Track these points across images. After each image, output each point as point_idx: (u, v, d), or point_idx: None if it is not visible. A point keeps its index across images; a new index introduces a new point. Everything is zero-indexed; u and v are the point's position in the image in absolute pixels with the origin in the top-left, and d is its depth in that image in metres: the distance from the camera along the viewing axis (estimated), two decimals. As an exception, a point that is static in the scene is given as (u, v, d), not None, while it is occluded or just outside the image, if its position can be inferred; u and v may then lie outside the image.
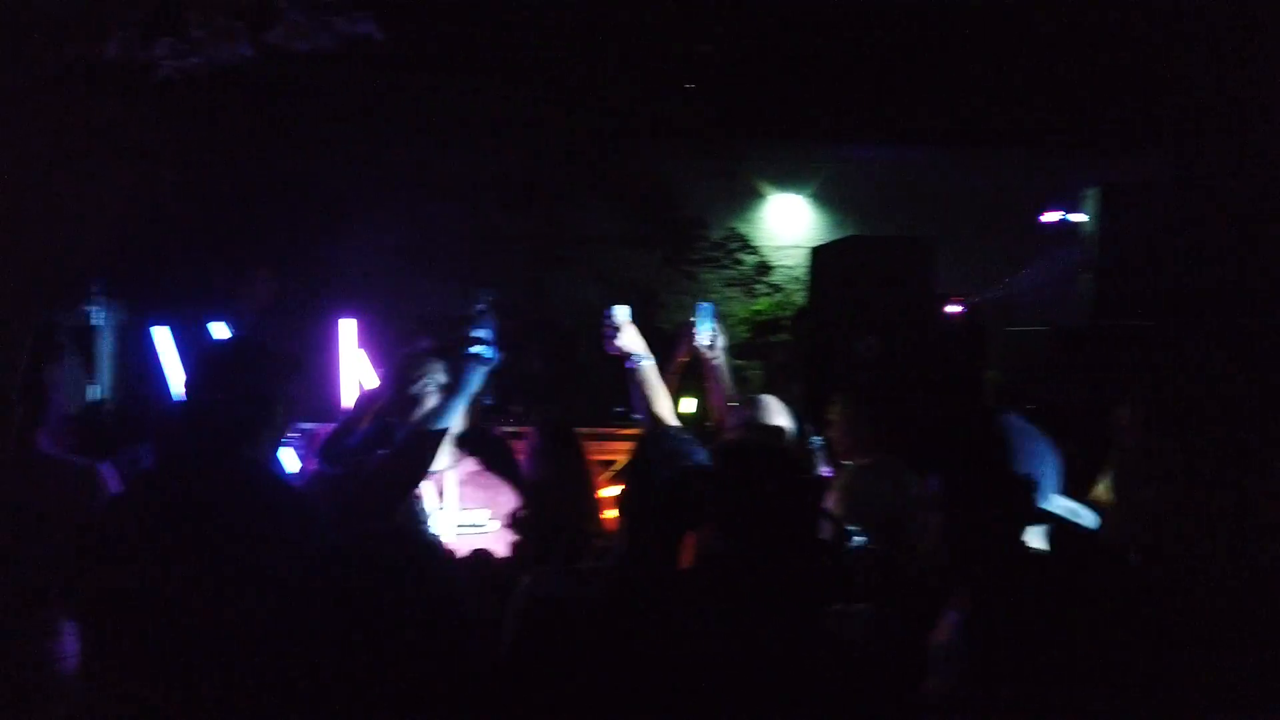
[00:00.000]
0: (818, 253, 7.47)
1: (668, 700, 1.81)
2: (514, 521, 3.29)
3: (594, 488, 3.40)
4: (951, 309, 6.91)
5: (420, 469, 3.16)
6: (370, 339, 5.35)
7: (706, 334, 3.83)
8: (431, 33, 8.93)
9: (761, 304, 10.69)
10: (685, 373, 4.22)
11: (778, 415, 3.96)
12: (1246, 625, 2.10)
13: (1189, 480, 2.40)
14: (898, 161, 11.29)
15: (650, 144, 10.45)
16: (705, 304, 3.88)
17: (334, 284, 8.46)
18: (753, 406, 3.98)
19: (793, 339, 9.03)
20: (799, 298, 10.22)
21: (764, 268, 11.17)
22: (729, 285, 11.07)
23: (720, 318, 3.87)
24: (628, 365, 3.73)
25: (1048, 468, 2.15)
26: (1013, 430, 2.17)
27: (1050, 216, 9.41)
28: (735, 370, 10.04)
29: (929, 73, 10.50)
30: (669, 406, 3.77)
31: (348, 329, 5.31)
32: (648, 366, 3.74)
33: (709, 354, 3.91)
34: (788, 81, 10.71)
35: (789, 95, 10.79)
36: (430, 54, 9.17)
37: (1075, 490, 2.38)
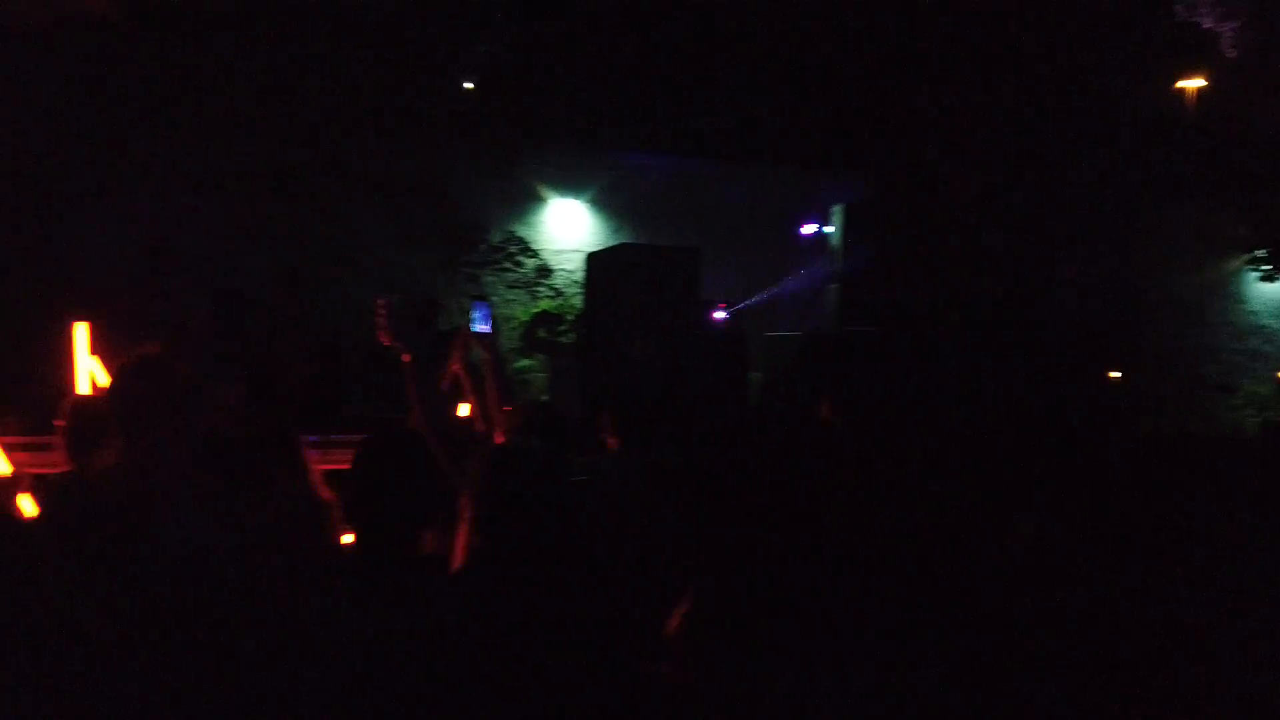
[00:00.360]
0: (592, 258, 7.62)
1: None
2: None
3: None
4: (718, 315, 7.26)
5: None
6: (107, 344, 4.89)
7: (482, 329, 3.80)
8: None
9: (544, 305, 10.76)
10: (460, 375, 4.17)
11: (551, 418, 4.00)
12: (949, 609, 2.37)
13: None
14: (675, 171, 11.73)
15: (426, 141, 10.21)
16: (481, 302, 3.85)
17: (68, 284, 7.64)
18: (526, 410, 4.00)
19: (573, 341, 9.18)
20: (579, 301, 10.39)
21: (544, 271, 11.23)
22: (511, 288, 11.05)
23: (496, 320, 3.86)
24: (402, 358, 3.63)
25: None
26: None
27: (809, 229, 10.16)
28: (519, 372, 10.03)
29: (706, 88, 11.00)
30: (442, 404, 3.70)
31: (81, 333, 4.83)
32: (421, 360, 3.65)
33: (484, 354, 3.89)
34: (568, 87, 10.86)
35: (570, 101, 10.95)
36: (167, 20, 8.41)
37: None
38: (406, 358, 3.66)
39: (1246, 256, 12.07)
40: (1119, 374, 10.81)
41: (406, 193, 10.16)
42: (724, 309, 7.33)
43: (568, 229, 11.62)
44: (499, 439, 3.94)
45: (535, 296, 10.89)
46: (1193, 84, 13.74)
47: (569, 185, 11.65)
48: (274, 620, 2.33)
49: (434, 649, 2.02)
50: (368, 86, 9.68)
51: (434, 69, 10.15)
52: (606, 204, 11.76)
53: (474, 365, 3.95)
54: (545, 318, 10.38)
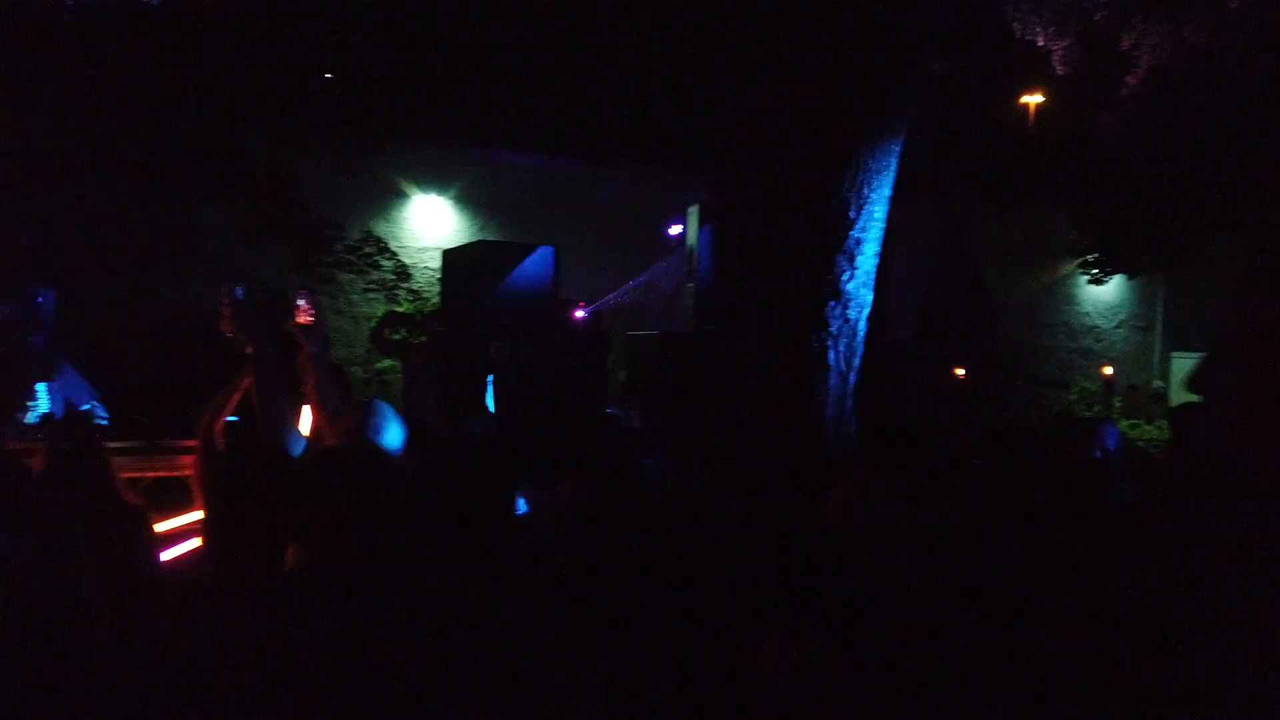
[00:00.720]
0: (449, 256, 7.46)
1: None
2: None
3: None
4: (578, 314, 7.23)
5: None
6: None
7: (305, 320, 3.63)
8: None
9: (403, 307, 10.46)
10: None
11: (388, 420, 3.87)
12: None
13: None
14: (544, 169, 11.65)
15: (279, 133, 9.76)
16: (304, 291, 3.67)
17: None
18: (360, 412, 3.85)
19: (428, 340, 8.95)
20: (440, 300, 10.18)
21: (404, 271, 10.90)
22: (367, 291, 10.68)
23: (321, 309, 3.68)
24: (249, 352, 3.41)
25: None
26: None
27: (675, 229, 10.27)
28: (380, 373, 9.69)
29: (576, 86, 10.94)
30: (288, 402, 3.51)
31: None
32: (271, 355, 3.45)
33: (309, 349, 3.72)
34: (434, 81, 10.60)
35: (434, 95, 10.69)
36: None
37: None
38: (250, 350, 3.46)
39: (1078, 261, 12.92)
40: (963, 372, 11.39)
41: (259, 187, 9.66)
42: (584, 308, 7.30)
43: (431, 226, 11.38)
44: (331, 440, 3.78)
45: (393, 298, 10.57)
46: (1033, 99, 14.61)
47: (433, 181, 11.41)
48: (73, 626, 2.19)
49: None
50: (216, 73, 9.17)
51: (291, 58, 9.72)
52: (472, 201, 11.57)
53: (303, 364, 3.78)
54: (395, 318, 10.10)
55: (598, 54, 10.59)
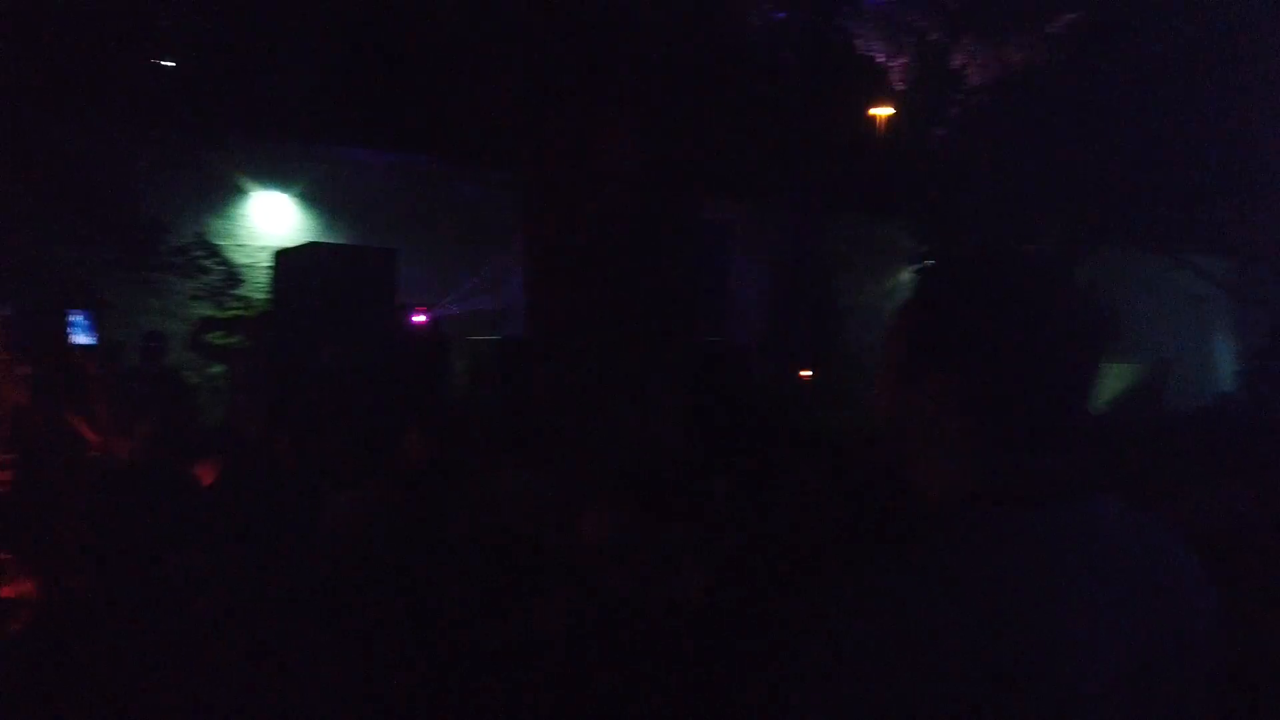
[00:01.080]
0: (280, 257, 7.18)
1: None
2: None
3: None
4: (417, 319, 7.09)
5: None
6: None
7: (84, 340, 3.44)
8: None
9: (235, 310, 9.92)
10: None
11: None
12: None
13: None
14: (395, 167, 11.33)
15: (97, 122, 9.08)
16: (83, 310, 3.47)
17: None
18: (150, 423, 3.67)
19: (251, 344, 8.51)
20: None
21: (235, 276, 10.27)
22: (195, 297, 10.02)
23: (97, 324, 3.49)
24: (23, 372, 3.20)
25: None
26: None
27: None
28: (211, 380, 9.19)
29: (434, 83, 10.64)
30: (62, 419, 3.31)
31: None
32: (45, 374, 3.25)
33: (89, 368, 3.52)
34: (278, 69, 10.13)
35: (278, 84, 10.22)
36: None
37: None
38: (26, 370, 3.26)
39: (915, 266, 13.61)
40: (809, 373, 11.82)
41: (77, 183, 8.93)
42: (425, 312, 7.16)
43: (273, 225, 10.90)
44: (120, 456, 3.60)
45: (222, 302, 9.98)
46: (879, 111, 15.27)
47: (275, 177, 10.93)
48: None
49: None
50: (30, 58, 8.47)
51: (116, 40, 9.07)
52: (318, 199, 11.16)
53: (85, 379, 3.59)
54: (214, 321, 9.59)
55: (446, 48, 10.38)
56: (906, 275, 14.10)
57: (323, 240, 10.60)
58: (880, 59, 12.15)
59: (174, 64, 9.62)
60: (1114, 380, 13.30)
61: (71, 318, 3.34)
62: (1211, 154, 9.25)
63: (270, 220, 10.92)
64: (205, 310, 9.96)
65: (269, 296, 7.67)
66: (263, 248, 10.76)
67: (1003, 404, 1.00)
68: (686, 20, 4.37)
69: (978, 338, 1.00)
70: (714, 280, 9.67)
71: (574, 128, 3.94)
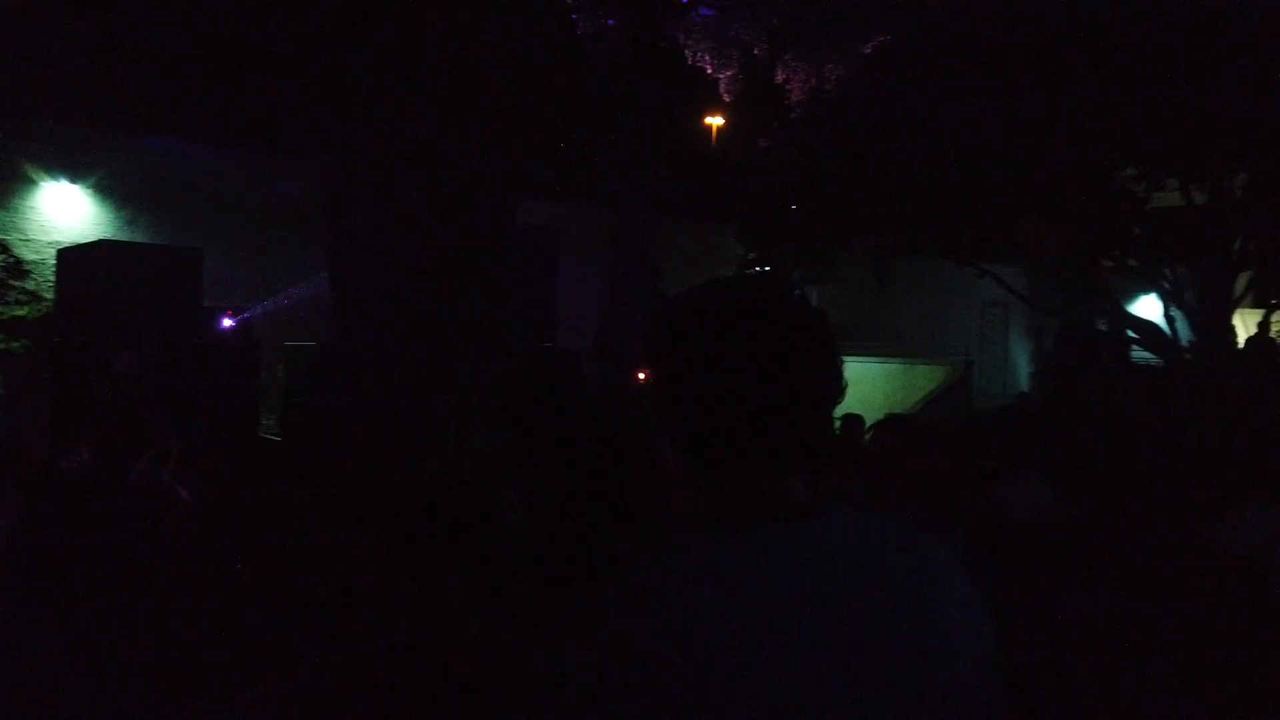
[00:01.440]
0: (63, 257, 6.59)
1: None
2: None
3: None
4: (226, 322, 6.68)
5: None
6: None
7: None
8: None
9: (23, 311, 9.05)
10: None
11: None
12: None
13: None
14: (203, 160, 10.64)
15: None
16: None
17: None
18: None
19: (32, 348, 7.76)
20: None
21: (18, 270, 9.36)
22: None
23: None
24: None
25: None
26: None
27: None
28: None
29: (247, 73, 10.02)
30: None
31: None
32: None
33: None
34: (73, 50, 9.28)
35: (73, 68, 9.37)
36: None
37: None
38: None
39: (746, 272, 14.06)
40: (643, 376, 11.96)
41: None
42: (234, 316, 6.75)
43: (65, 218, 10.00)
44: None
45: (5, 300, 9.08)
46: (710, 120, 15.68)
47: (66, 168, 10.04)
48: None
49: None
50: None
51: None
52: (117, 192, 10.33)
53: None
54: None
55: (258, 37, 9.84)
56: (736, 280, 14.55)
57: (120, 238, 9.83)
58: (709, 70, 12.51)
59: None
60: (925, 380, 14.21)
61: None
62: (1008, 171, 10.02)
63: (63, 214, 10.01)
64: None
65: (54, 298, 7.02)
66: (54, 243, 9.86)
67: (719, 443, 1.02)
68: (509, 19, 4.32)
69: (688, 386, 1.03)
70: (542, 286, 9.61)
71: (387, 124, 3.81)
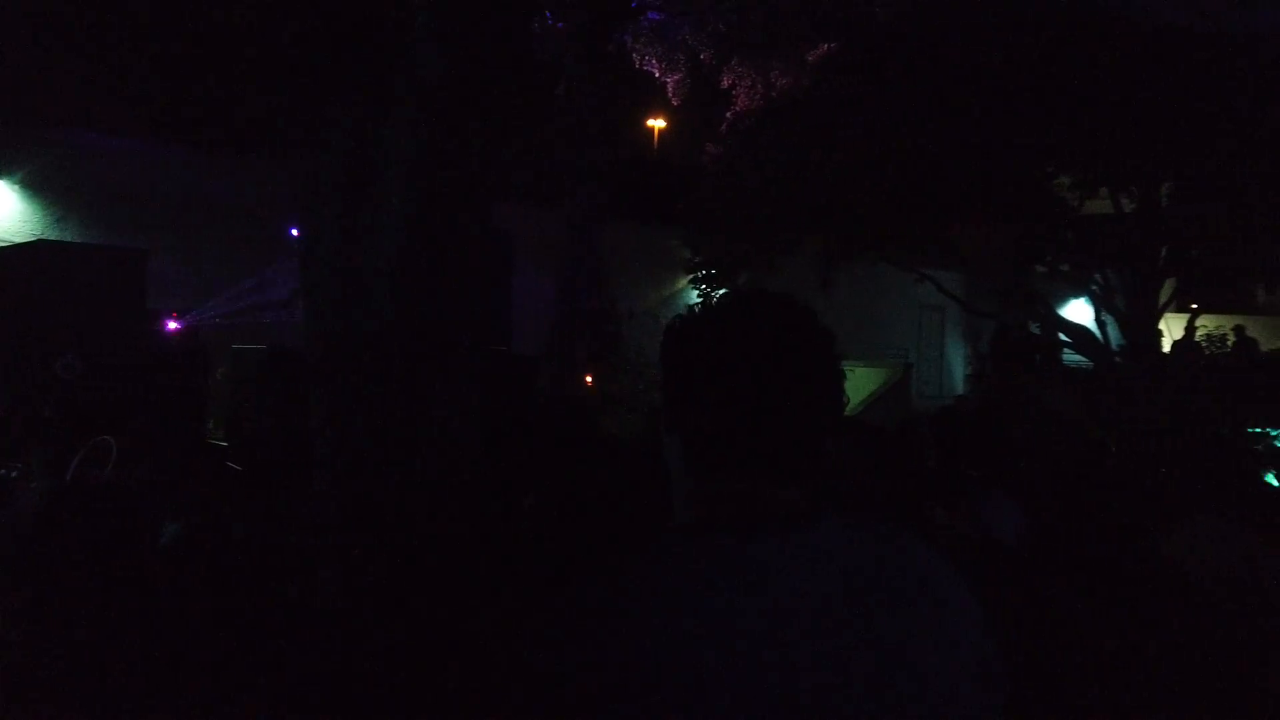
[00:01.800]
0: (-1, 257, 6.35)
1: None
2: None
3: None
4: (172, 324, 6.50)
5: None
6: None
7: None
8: None
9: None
10: None
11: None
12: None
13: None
14: (140, 155, 10.31)
15: None
16: None
17: None
18: None
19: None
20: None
21: None
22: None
23: None
24: None
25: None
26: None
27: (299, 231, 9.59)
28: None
29: (178, 61, 9.70)
30: None
31: None
32: None
33: None
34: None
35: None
36: None
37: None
38: None
39: (690, 276, 14.14)
40: (590, 379, 11.98)
41: None
42: (178, 319, 6.58)
43: (-9, 217, 9.62)
44: None
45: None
46: (655, 123, 15.76)
47: (-9, 161, 9.65)
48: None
49: None
50: None
51: None
52: (45, 189, 9.95)
53: None
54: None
55: (207, 25, 9.56)
56: (683, 283, 14.64)
57: (50, 236, 9.49)
58: (656, 74, 12.58)
59: None
60: (867, 381, 14.47)
61: None
62: (946, 178, 10.29)
63: (-12, 211, 9.63)
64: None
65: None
66: (-22, 241, 9.47)
67: (721, 450, 1.07)
68: (472, 19, 4.27)
69: (691, 399, 1.09)
70: (498, 289, 9.55)
71: (354, 122, 3.74)
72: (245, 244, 10.08)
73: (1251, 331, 13.75)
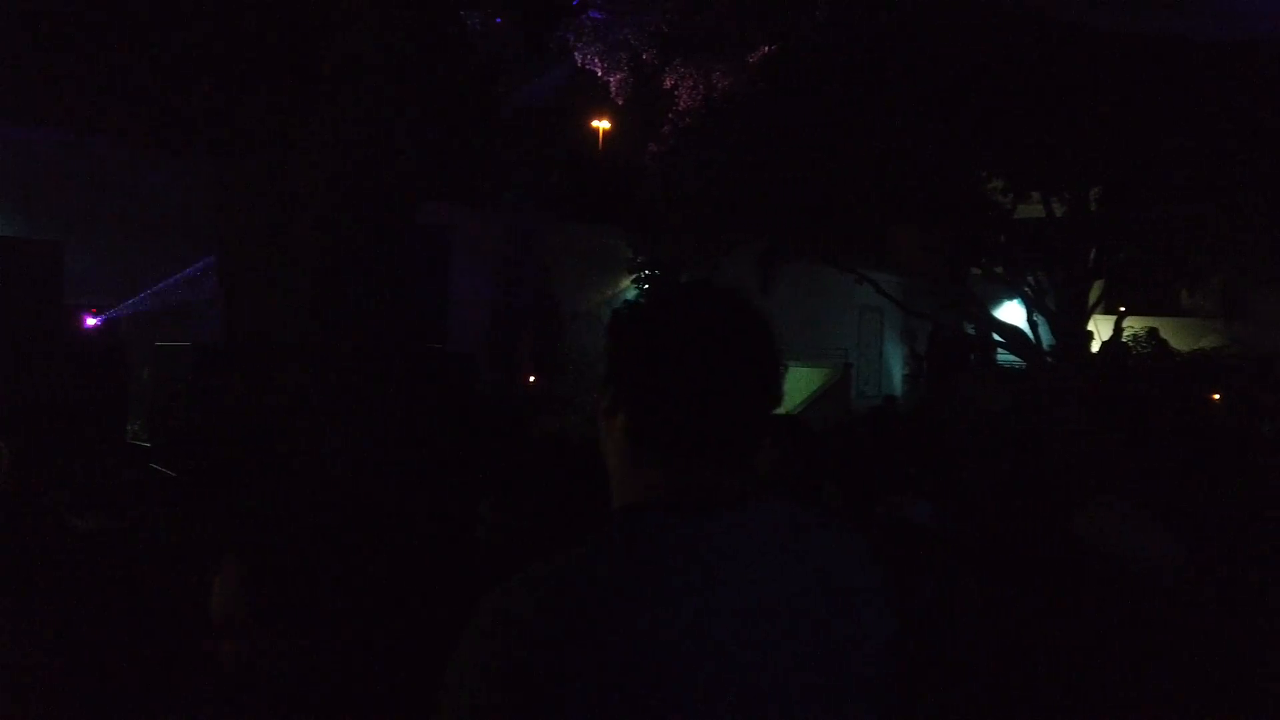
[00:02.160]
0: (-95, 249, 6.05)
1: None
2: None
3: None
4: (90, 320, 6.26)
5: None
6: None
7: None
8: None
9: None
10: None
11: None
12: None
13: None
14: (68, 150, 9.96)
15: None
16: None
17: None
18: None
19: None
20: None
21: None
22: None
23: None
24: None
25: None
26: None
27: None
28: None
29: (99, 53, 9.35)
30: None
31: None
32: None
33: None
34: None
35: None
36: None
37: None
38: None
39: (633, 276, 14.14)
40: (535, 378, 11.90)
41: None
42: (97, 315, 6.34)
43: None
44: None
45: None
46: (598, 124, 15.71)
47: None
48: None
49: None
50: None
51: None
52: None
53: None
54: None
55: (129, 18, 9.23)
56: (626, 284, 14.63)
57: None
58: (599, 74, 12.52)
59: None
60: (808, 381, 14.63)
61: None
62: (883, 182, 10.44)
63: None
64: None
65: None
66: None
67: (666, 434, 1.07)
68: (399, 14, 4.18)
69: (641, 380, 1.09)
70: (434, 287, 9.42)
71: (273, 117, 3.64)
72: (169, 239, 9.79)
73: (1172, 333, 14.22)
